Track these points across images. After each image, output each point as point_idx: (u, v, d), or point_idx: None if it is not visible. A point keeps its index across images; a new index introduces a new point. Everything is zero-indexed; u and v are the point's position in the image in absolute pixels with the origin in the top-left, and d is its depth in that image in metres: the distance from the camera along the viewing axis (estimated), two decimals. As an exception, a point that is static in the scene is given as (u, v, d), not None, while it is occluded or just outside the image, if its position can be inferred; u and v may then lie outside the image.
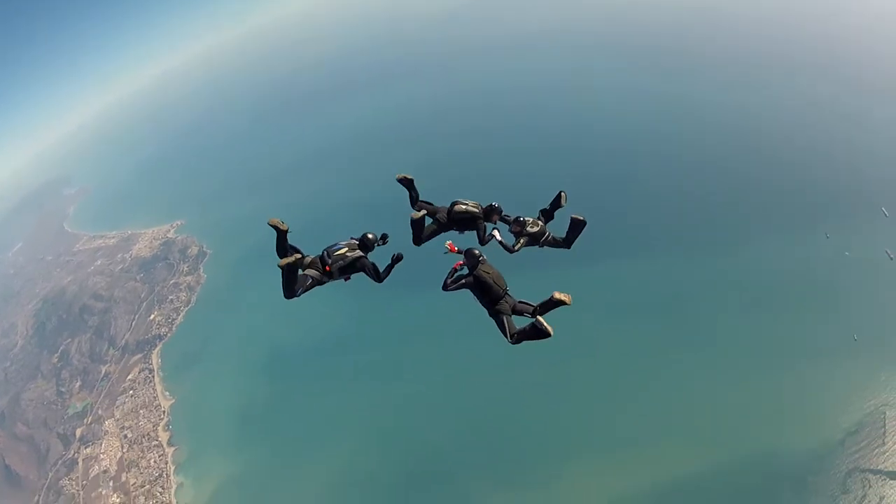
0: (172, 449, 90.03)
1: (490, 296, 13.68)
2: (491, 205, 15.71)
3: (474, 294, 13.94)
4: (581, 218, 15.93)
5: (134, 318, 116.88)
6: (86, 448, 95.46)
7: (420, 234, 15.38)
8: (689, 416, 69.50)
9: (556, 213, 16.83)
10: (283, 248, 13.91)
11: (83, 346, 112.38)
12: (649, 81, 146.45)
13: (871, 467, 62.70)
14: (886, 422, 65.02)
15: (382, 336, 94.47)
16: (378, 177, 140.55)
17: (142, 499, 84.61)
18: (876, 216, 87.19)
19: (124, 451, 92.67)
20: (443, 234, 15.97)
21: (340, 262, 14.16)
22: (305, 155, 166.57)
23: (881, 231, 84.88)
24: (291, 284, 13.50)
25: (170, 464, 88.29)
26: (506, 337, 13.16)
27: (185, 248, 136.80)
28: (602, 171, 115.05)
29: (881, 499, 60.51)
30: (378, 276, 14.40)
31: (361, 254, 14.32)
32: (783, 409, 68.81)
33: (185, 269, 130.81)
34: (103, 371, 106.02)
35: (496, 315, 13.68)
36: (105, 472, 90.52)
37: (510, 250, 15.55)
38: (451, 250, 15.17)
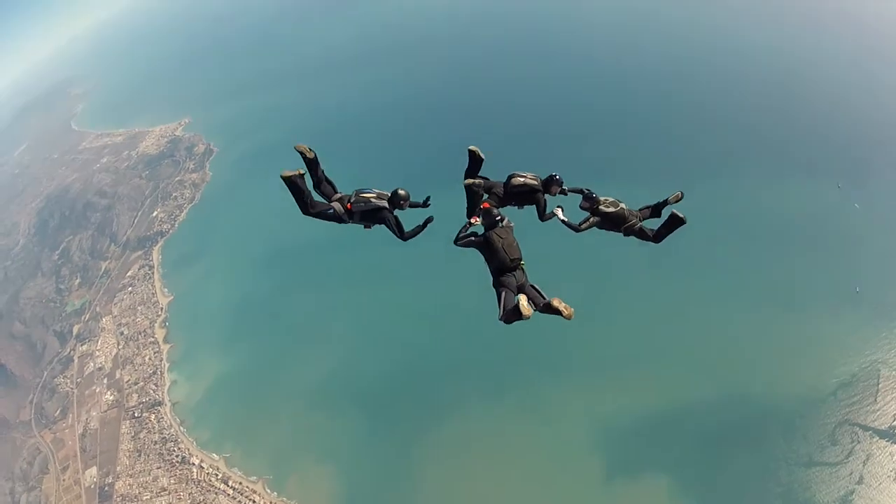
0: (168, 346, 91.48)
1: (495, 262, 13.05)
2: (551, 176, 14.78)
3: (483, 257, 13.36)
4: (681, 216, 14.75)
5: (137, 215, 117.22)
6: (82, 345, 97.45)
7: (474, 204, 14.71)
8: (681, 343, 71.43)
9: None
10: (317, 178, 14.23)
11: (84, 243, 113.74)
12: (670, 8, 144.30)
13: (861, 422, 64.64)
14: (880, 379, 67.30)
15: (385, 237, 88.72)
16: (399, 79, 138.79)
17: (135, 396, 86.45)
18: (891, 174, 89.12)
19: (120, 348, 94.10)
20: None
21: (362, 204, 13.95)
22: (325, 55, 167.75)
23: (893, 190, 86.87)
24: (301, 199, 13.78)
25: (164, 361, 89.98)
26: (499, 310, 12.42)
27: (192, 145, 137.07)
28: (615, 98, 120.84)
29: (868, 456, 62.45)
30: (401, 233, 14.12)
31: (386, 206, 13.90)
32: (778, 349, 70.70)
33: (191, 166, 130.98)
34: (103, 268, 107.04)
35: (497, 286, 12.98)
36: (100, 369, 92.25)
37: (575, 229, 15.07)
38: (485, 208, 14.42)
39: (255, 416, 78.28)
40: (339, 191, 14.35)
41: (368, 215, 14.07)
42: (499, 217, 13.48)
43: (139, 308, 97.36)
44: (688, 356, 67.26)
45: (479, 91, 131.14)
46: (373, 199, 13.84)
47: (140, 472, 77.89)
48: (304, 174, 13.66)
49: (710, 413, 67.43)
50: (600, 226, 15.40)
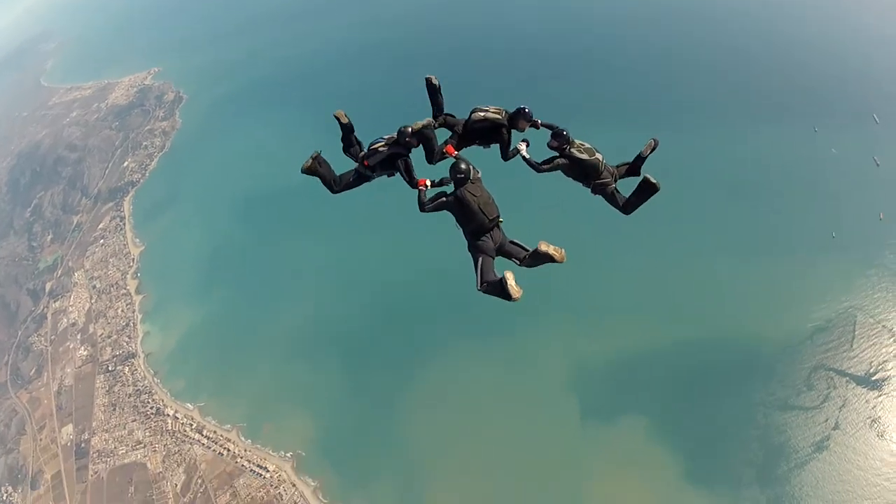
0: (140, 297, 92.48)
1: (472, 225, 12.28)
2: (519, 109, 13.83)
3: (455, 218, 12.52)
4: (654, 182, 13.58)
5: (107, 167, 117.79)
6: (55, 302, 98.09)
7: (432, 149, 14.06)
8: (659, 289, 73.15)
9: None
10: (349, 142, 14.54)
11: (56, 198, 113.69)
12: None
13: (837, 367, 66.09)
14: (856, 325, 68.55)
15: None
16: (374, 19, 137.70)
17: (108, 349, 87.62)
18: (867, 121, 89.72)
19: (92, 301, 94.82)
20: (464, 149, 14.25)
21: (375, 156, 13.95)
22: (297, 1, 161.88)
23: (870, 136, 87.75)
24: (326, 183, 14.51)
25: (137, 312, 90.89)
26: (476, 279, 11.88)
27: (162, 94, 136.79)
28: (584, 41, 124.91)
29: (844, 402, 63.81)
30: (411, 179, 13.98)
31: (395, 148, 13.70)
32: (755, 295, 72.31)
33: (161, 114, 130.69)
34: (75, 221, 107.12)
35: (473, 251, 12.29)
36: (73, 324, 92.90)
37: (536, 169, 13.99)
38: (449, 154, 13.69)
39: (229, 364, 79.49)
40: (364, 149, 14.27)
41: (386, 163, 13.90)
42: (465, 169, 12.46)
43: (111, 260, 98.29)
44: (665, 301, 69.93)
45: (454, 31, 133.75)
46: (381, 148, 13.76)
47: (115, 426, 79.39)
48: (317, 155, 14.15)
49: (687, 357, 68.90)
50: (567, 172, 14.24)
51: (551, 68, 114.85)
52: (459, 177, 12.39)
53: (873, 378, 64.98)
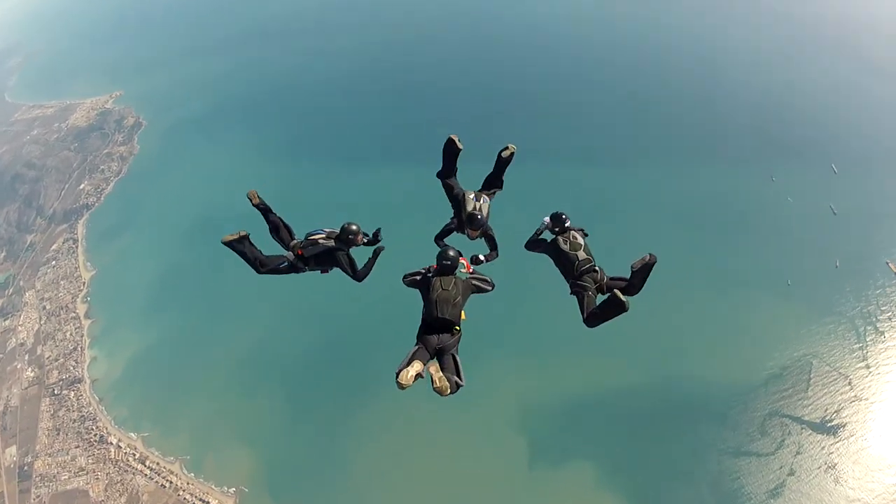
0: (89, 322, 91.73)
1: (424, 313, 12.39)
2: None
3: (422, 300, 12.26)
4: (622, 300, 13.50)
5: (64, 187, 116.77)
6: (4, 320, 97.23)
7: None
8: (610, 328, 65.08)
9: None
10: (273, 224, 14.35)
11: (11, 216, 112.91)
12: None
13: (792, 414, 66.85)
14: (812, 372, 69.92)
15: (314, 208, 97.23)
16: (335, 47, 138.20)
17: (55, 373, 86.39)
18: (825, 171, 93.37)
19: (42, 323, 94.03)
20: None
21: (312, 248, 13.66)
22: (261, 24, 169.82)
23: (828, 186, 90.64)
24: (249, 262, 13.64)
25: (85, 337, 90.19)
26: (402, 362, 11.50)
27: (122, 118, 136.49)
28: (557, 80, 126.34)
29: (799, 448, 64.50)
30: (354, 273, 13.80)
31: (335, 245, 13.61)
32: (709, 339, 73.47)
33: (120, 139, 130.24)
34: (29, 241, 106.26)
35: (417, 338, 12.27)
36: (22, 344, 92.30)
37: (527, 244, 15.68)
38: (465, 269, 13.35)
39: (174, 394, 79.08)
40: (295, 236, 14.21)
41: (322, 258, 13.75)
42: (452, 257, 12.63)
43: (62, 282, 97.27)
44: (617, 341, 68.24)
45: (413, 62, 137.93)
46: (321, 241, 13.61)
47: (59, 451, 78.19)
48: (245, 235, 13.57)
49: (638, 399, 69.43)
50: (552, 258, 14.75)
51: (513, 105, 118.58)
52: (444, 263, 12.40)
53: (829, 424, 65.51)
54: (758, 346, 74.42)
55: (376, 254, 13.99)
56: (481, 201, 14.62)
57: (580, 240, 14.24)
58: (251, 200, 13.96)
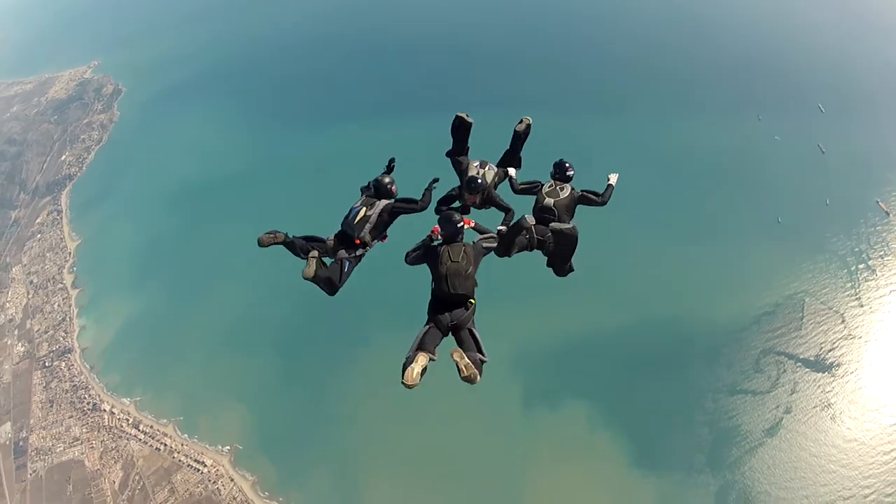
0: (76, 291, 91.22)
1: (433, 289, 11.51)
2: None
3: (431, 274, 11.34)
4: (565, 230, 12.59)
5: (46, 160, 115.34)
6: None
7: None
8: (604, 272, 72.22)
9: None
10: (300, 247, 13.25)
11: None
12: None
13: (787, 351, 67.01)
14: (805, 308, 69.64)
15: (295, 172, 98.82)
16: (317, 12, 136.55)
17: (45, 345, 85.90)
18: (812, 111, 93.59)
19: (30, 297, 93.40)
20: None
21: (365, 224, 13.01)
22: None
23: (815, 125, 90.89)
24: (328, 287, 12.87)
25: (73, 307, 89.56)
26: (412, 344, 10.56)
27: (101, 87, 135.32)
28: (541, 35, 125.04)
29: (795, 385, 64.41)
30: (419, 204, 13.28)
31: (385, 202, 12.98)
32: (701, 279, 73.25)
33: (99, 107, 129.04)
34: (13, 217, 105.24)
35: (428, 315, 11.45)
36: (11, 320, 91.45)
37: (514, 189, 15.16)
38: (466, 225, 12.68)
39: (164, 358, 78.70)
40: (325, 238, 13.53)
41: (381, 224, 13.25)
42: (456, 221, 11.80)
43: (48, 255, 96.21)
44: (610, 285, 67.56)
45: (401, 24, 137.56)
46: (368, 213, 13.04)
47: (53, 423, 77.79)
48: (319, 258, 12.85)
49: (631, 341, 69.21)
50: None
51: (491, 58, 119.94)
52: (450, 228, 11.73)
53: (824, 362, 65.16)
54: (749, 283, 74.40)
55: (431, 184, 13.38)
56: (486, 168, 14.32)
57: (564, 195, 13.98)
58: (277, 242, 13.15)
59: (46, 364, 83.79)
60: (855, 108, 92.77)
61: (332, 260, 13.27)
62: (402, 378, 9.92)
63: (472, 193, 13.62)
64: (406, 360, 10.38)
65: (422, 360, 10.20)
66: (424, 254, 11.72)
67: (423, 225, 13.37)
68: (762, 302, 72.13)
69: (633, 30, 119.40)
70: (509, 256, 13.15)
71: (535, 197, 14.34)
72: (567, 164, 14.45)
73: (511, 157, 15.05)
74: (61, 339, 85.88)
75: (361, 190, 13.82)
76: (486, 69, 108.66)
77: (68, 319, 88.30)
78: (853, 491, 56.13)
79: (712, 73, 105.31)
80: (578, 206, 14.90)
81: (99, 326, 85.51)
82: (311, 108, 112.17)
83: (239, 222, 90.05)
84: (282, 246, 13.10)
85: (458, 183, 14.56)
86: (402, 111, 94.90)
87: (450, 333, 11.17)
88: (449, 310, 11.09)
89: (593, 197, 14.61)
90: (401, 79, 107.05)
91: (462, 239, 11.76)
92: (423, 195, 13.25)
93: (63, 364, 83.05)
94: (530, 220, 12.06)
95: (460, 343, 10.94)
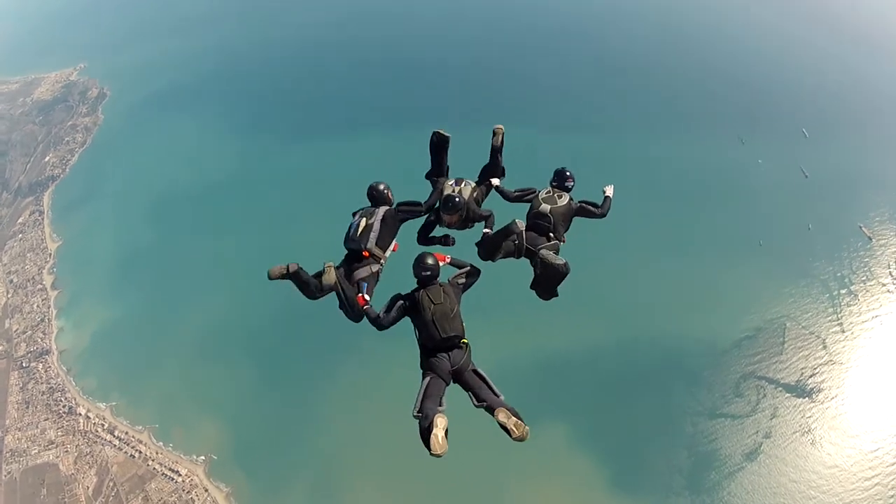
0: (56, 292, 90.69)
1: (422, 337, 10.75)
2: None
3: (413, 325, 10.83)
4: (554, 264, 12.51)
5: (29, 161, 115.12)
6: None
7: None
8: (584, 291, 71.50)
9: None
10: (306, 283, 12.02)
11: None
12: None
13: (767, 376, 66.97)
14: (786, 332, 69.84)
15: (280, 182, 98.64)
16: (305, 22, 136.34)
17: (23, 345, 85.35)
18: (796, 136, 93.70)
19: (9, 296, 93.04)
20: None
21: (370, 234, 12.09)
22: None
23: (799, 149, 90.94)
24: (351, 302, 11.63)
25: (52, 308, 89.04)
26: (416, 401, 10.16)
27: (86, 89, 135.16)
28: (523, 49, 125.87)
29: (775, 410, 64.34)
30: (424, 206, 12.88)
31: (385, 208, 12.30)
32: (681, 301, 72.90)
33: (84, 110, 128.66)
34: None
35: (423, 368, 10.68)
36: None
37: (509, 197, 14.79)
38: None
39: (141, 363, 78.21)
40: (330, 261, 12.22)
41: (385, 233, 12.45)
42: (432, 265, 11.31)
43: (28, 255, 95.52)
44: (591, 303, 66.95)
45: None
46: (369, 222, 12.31)
47: (28, 424, 77.23)
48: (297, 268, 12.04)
49: (611, 361, 69.08)
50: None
51: (475, 75, 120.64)
52: (424, 274, 11.01)
53: (805, 387, 64.98)
54: (731, 306, 74.63)
55: (435, 185, 13.09)
56: (462, 185, 13.47)
57: (562, 202, 13.48)
58: (277, 274, 12.05)
59: (24, 365, 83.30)
60: (839, 132, 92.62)
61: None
62: (430, 450, 9.24)
63: (450, 213, 12.90)
64: (422, 427, 9.69)
65: (441, 422, 9.44)
66: (404, 308, 11.00)
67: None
68: (744, 325, 72.39)
69: (616, 47, 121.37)
70: (493, 261, 12.90)
71: (529, 204, 13.76)
72: (568, 174, 14.09)
73: (492, 169, 14.51)
74: (39, 339, 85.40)
75: (353, 215, 12.93)
76: (465, 84, 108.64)
77: (47, 321, 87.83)
78: (834, 518, 52.90)
79: (696, 95, 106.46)
80: (574, 220, 14.57)
81: (77, 329, 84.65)
82: (298, 118, 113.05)
83: (220, 231, 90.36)
84: (289, 280, 11.96)
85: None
86: (388, 123, 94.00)
87: (451, 381, 10.50)
88: (445, 354, 10.55)
89: (592, 209, 14.24)
90: (387, 91, 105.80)
91: (437, 279, 11.03)
92: (431, 196, 13.08)
93: (40, 366, 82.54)
94: (520, 224, 12.10)
95: (467, 388, 10.47)
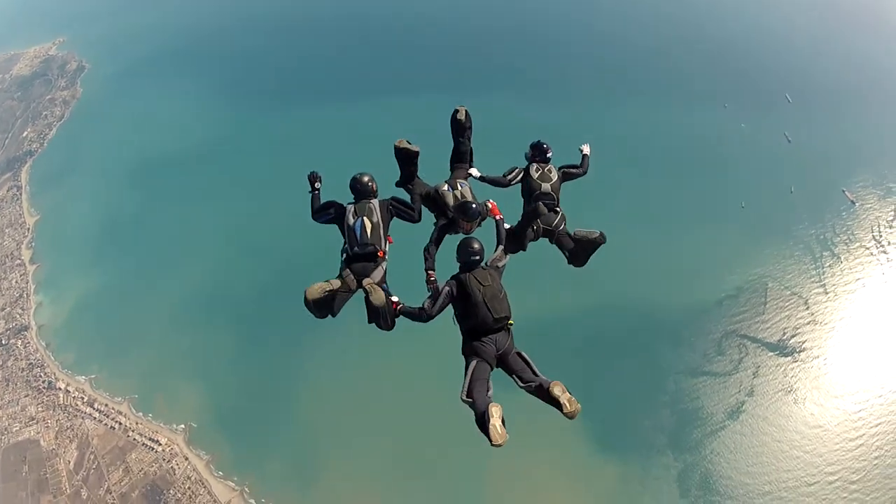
0: (34, 267, 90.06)
1: (471, 321, 10.30)
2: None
3: (454, 311, 10.60)
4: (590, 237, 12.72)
5: (7, 137, 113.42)
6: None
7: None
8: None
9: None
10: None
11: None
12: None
13: (749, 334, 66.87)
14: (768, 293, 69.81)
15: (258, 150, 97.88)
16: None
17: (2, 323, 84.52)
18: (779, 101, 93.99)
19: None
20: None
21: (379, 231, 11.65)
22: None
23: (782, 115, 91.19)
24: (381, 319, 11.52)
25: (30, 283, 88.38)
26: (463, 384, 9.76)
27: (65, 63, 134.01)
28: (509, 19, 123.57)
29: (757, 368, 64.17)
30: (414, 213, 12.30)
31: (376, 201, 11.67)
32: (663, 263, 73.07)
33: (63, 83, 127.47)
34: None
35: (468, 353, 10.26)
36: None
37: (500, 183, 13.97)
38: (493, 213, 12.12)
39: (120, 335, 77.77)
40: (343, 274, 11.67)
41: (384, 228, 11.84)
42: (479, 249, 10.79)
43: (6, 230, 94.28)
44: (571, 270, 63.28)
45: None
46: (373, 219, 11.53)
47: (9, 402, 76.49)
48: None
49: (594, 324, 69.05)
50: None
51: (461, 41, 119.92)
52: (473, 259, 10.77)
53: (787, 346, 66.07)
54: (712, 268, 74.64)
55: (411, 192, 12.36)
56: (459, 188, 12.72)
57: (555, 177, 13.36)
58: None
59: (3, 342, 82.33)
60: (823, 98, 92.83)
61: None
62: (490, 440, 8.62)
63: (472, 220, 12.18)
64: (477, 416, 9.28)
65: (496, 412, 8.96)
66: (453, 294, 10.68)
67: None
68: (725, 285, 72.39)
69: (597, 14, 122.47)
70: (524, 250, 12.78)
71: (521, 185, 13.70)
72: (545, 145, 13.62)
73: (460, 156, 13.73)
74: (18, 316, 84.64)
75: (329, 208, 12.33)
76: (443, 50, 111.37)
77: (25, 296, 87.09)
78: (817, 477, 55.11)
79: (678, 61, 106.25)
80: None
81: (56, 303, 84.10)
82: (275, 85, 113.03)
83: (198, 200, 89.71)
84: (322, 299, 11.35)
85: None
86: (367, 92, 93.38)
87: (496, 364, 10.24)
88: (491, 337, 10.29)
89: (575, 171, 14.21)
90: (364, 60, 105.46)
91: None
92: (414, 203, 12.43)
93: (20, 342, 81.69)
94: (542, 206, 11.81)
95: (510, 370, 10.08)
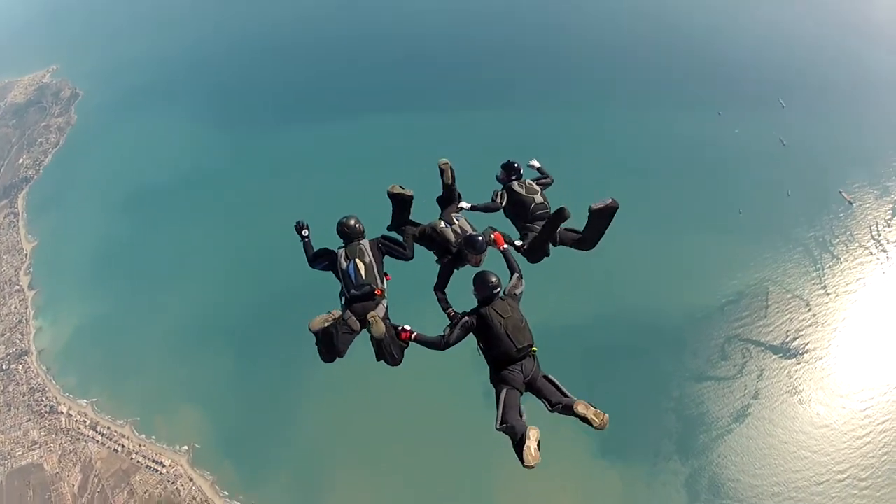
0: (33, 293, 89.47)
1: (494, 351, 10.50)
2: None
3: (478, 342, 10.75)
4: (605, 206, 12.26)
5: (3, 164, 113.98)
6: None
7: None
8: (566, 262, 63.96)
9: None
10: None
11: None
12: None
13: (752, 338, 65.95)
14: (769, 296, 68.83)
15: (254, 171, 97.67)
16: (273, 19, 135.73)
17: (2, 348, 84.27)
18: (773, 106, 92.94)
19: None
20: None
21: (374, 270, 11.83)
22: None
23: (777, 120, 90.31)
24: (388, 355, 11.93)
25: (29, 308, 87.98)
26: (496, 414, 9.98)
27: (59, 90, 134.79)
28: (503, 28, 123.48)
29: (762, 371, 63.42)
30: (405, 251, 12.33)
31: (366, 241, 11.96)
32: (663, 270, 72.28)
33: (57, 110, 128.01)
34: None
35: (496, 382, 10.48)
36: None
37: (489, 209, 14.27)
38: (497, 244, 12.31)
39: (121, 358, 77.09)
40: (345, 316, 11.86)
41: (381, 268, 12.02)
42: (496, 282, 10.89)
43: (4, 257, 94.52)
44: (573, 275, 66.29)
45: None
46: (365, 260, 11.71)
47: (11, 427, 75.98)
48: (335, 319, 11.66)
49: (594, 332, 68.28)
50: (506, 207, 13.65)
51: (453, 50, 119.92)
52: (494, 292, 10.85)
53: (790, 349, 65.50)
54: (712, 274, 74.11)
55: (404, 234, 12.50)
56: (456, 221, 12.96)
57: (536, 187, 13.70)
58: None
59: (3, 367, 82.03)
60: (817, 102, 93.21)
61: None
62: (523, 462, 9.19)
63: (479, 253, 12.27)
64: (514, 440, 9.71)
65: (533, 434, 9.49)
66: (467, 325, 10.88)
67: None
68: (726, 290, 71.67)
69: (590, 22, 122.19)
70: (548, 255, 13.38)
71: (507, 205, 13.97)
72: (516, 163, 14.04)
73: (450, 197, 13.76)
74: (18, 341, 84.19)
75: (318, 258, 12.69)
76: (444, 65, 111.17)
77: (25, 321, 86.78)
78: (826, 476, 54.50)
79: (671, 68, 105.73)
80: None
81: (55, 328, 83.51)
82: (266, 110, 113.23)
83: (195, 225, 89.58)
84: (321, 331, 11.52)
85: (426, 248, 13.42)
86: (359, 111, 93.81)
87: (525, 390, 10.54)
88: (518, 365, 10.58)
89: (546, 181, 14.65)
90: (358, 80, 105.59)
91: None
92: (406, 241, 12.58)
93: (20, 367, 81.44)
94: (567, 210, 12.10)
95: (539, 394, 10.51)
